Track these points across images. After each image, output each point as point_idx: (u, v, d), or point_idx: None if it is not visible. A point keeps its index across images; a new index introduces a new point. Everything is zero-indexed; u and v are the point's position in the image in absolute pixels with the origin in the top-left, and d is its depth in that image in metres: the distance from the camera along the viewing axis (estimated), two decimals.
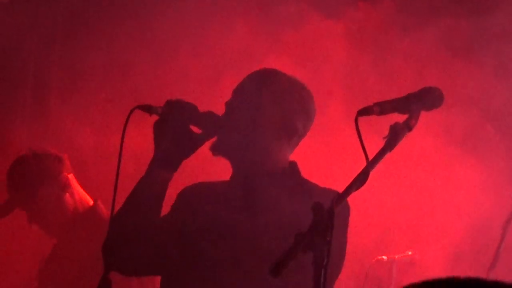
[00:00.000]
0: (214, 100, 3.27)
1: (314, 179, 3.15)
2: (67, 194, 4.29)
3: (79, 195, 4.35)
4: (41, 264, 4.37)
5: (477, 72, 4.70)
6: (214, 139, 3.14)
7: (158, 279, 3.26)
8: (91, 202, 4.37)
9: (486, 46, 4.75)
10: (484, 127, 4.72)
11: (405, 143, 2.69)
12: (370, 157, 2.58)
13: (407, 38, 4.87)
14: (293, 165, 3.17)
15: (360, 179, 2.54)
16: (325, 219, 2.39)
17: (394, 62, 4.79)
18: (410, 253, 4.67)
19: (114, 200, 3.05)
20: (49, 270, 4.30)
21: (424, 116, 2.73)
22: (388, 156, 2.65)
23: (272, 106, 3.11)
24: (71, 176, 4.33)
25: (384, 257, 4.64)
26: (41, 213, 4.27)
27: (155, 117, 3.11)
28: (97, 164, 4.98)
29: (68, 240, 4.28)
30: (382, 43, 4.91)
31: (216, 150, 3.13)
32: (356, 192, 2.56)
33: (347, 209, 3.02)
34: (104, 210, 4.30)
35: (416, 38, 4.83)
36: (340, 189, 2.58)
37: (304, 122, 3.15)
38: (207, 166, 3.34)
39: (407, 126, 2.68)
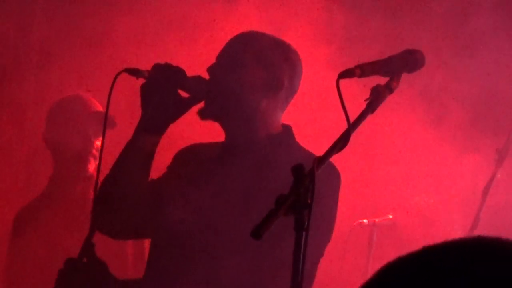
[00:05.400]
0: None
1: (302, 141, 3.15)
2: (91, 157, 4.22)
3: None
4: (21, 212, 4.28)
5: None
6: (202, 103, 3.13)
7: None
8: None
9: None
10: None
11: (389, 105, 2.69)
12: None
13: None
14: (287, 129, 3.17)
15: (342, 142, 2.54)
16: (306, 181, 2.40)
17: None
18: (390, 216, 4.71)
19: (100, 163, 3.08)
20: (30, 219, 4.21)
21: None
22: (369, 119, 2.67)
23: (255, 64, 3.10)
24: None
25: (365, 221, 4.69)
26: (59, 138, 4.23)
27: (141, 81, 3.09)
28: None
29: (59, 194, 4.23)
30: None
31: (203, 114, 3.12)
32: (339, 154, 2.57)
33: (337, 177, 3.01)
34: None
35: None
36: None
37: (290, 77, 3.13)
38: (200, 130, 3.35)
39: (389, 88, 2.68)
